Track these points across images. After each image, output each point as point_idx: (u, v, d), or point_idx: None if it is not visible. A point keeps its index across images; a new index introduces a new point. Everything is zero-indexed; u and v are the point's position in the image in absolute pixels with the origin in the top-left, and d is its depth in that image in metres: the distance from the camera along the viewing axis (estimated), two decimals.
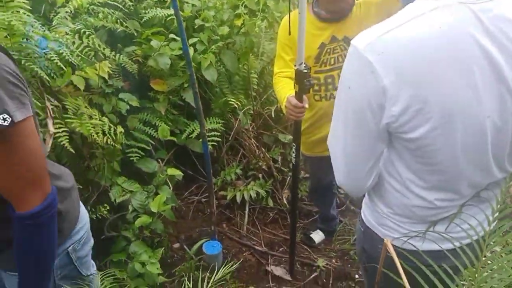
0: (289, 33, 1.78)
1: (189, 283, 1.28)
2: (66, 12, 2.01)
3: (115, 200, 2.22)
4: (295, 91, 1.76)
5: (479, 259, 0.87)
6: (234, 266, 1.55)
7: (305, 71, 1.66)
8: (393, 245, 1.06)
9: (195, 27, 2.61)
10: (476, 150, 0.90)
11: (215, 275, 1.37)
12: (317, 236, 2.74)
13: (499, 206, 0.94)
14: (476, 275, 0.84)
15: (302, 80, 1.69)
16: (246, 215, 2.90)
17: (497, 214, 0.94)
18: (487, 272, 0.85)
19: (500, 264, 0.84)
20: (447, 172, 0.95)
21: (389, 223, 1.11)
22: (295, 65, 1.69)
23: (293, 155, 1.98)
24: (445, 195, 0.99)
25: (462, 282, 0.88)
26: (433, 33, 0.80)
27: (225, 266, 1.50)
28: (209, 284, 1.34)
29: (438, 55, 0.80)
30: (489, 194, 1.01)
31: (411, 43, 0.81)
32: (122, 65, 2.41)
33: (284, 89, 1.93)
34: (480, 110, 0.83)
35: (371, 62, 0.83)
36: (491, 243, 0.89)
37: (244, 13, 2.56)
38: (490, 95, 0.82)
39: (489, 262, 0.87)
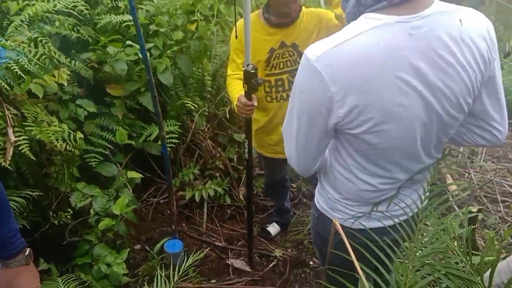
0: (236, 37, 1.97)
1: (156, 281, 1.35)
2: (22, 20, 2.02)
3: (76, 205, 2.25)
4: (245, 91, 1.90)
5: (415, 232, 1.05)
6: (196, 259, 1.64)
7: (252, 71, 1.81)
8: (344, 226, 1.24)
9: (150, 32, 2.67)
10: (407, 143, 1.09)
11: (178, 271, 1.46)
12: (273, 228, 2.90)
13: (429, 186, 1.13)
14: (413, 245, 1.01)
15: (250, 80, 1.83)
16: (205, 213, 3.01)
17: (428, 193, 1.14)
18: (421, 242, 1.03)
19: (432, 234, 1.02)
20: (384, 161, 1.15)
21: (339, 206, 1.29)
22: (243, 67, 1.83)
23: (246, 150, 2.11)
24: (385, 179, 1.19)
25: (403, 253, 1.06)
26: (373, 48, 0.96)
27: (186, 262, 1.59)
28: (174, 279, 1.43)
29: (376, 67, 0.96)
30: (421, 177, 1.22)
31: (354, 57, 0.97)
32: (77, 71, 2.44)
33: (236, 90, 2.07)
34: (410, 111, 1.01)
35: (320, 72, 0.99)
36: (424, 218, 1.08)
37: (199, 18, 2.66)
38: (418, 99, 1.01)
39: (423, 234, 1.06)
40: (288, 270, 2.56)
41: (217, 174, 3.12)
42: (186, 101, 2.79)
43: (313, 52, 1.00)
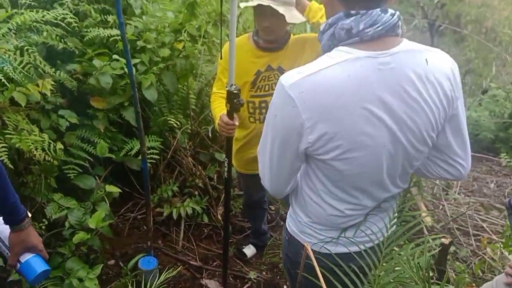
0: (221, 58, 2.02)
1: None
2: (9, 28, 2.03)
3: (51, 216, 2.21)
4: (227, 110, 1.93)
5: (380, 259, 1.08)
6: (169, 277, 1.63)
7: (235, 91, 1.85)
8: (313, 250, 1.27)
9: (137, 48, 2.70)
10: (374, 171, 1.13)
11: None
12: (249, 250, 2.89)
13: (395, 215, 1.17)
14: (377, 272, 1.04)
15: (232, 100, 1.87)
16: (182, 231, 2.99)
17: (394, 220, 1.17)
18: (384, 271, 1.05)
19: (394, 263, 1.05)
20: (352, 187, 1.19)
21: (308, 230, 1.32)
22: (226, 87, 1.87)
23: (226, 169, 2.13)
24: (352, 205, 1.23)
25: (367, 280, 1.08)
26: (343, 80, 1.01)
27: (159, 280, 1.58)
28: None
29: (345, 98, 1.02)
30: (387, 205, 1.27)
31: (325, 86, 1.02)
32: (61, 81, 2.44)
33: (219, 108, 2.11)
34: (377, 141, 1.07)
35: (293, 99, 1.04)
36: (388, 246, 1.11)
37: (186, 39, 2.70)
38: (385, 129, 1.06)
39: (387, 262, 1.08)
40: None
41: (196, 193, 3.11)
42: (169, 118, 2.81)
43: (287, 79, 1.05)
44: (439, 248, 2.27)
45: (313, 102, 1.02)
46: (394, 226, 1.24)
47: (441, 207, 3.58)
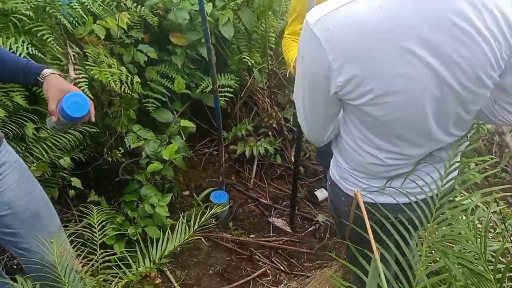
0: None
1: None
2: None
3: (129, 145, 2.37)
4: None
5: (432, 212, 0.97)
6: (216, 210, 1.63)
7: None
8: (352, 198, 1.19)
9: None
10: (415, 118, 0.99)
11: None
12: (321, 194, 2.86)
13: (449, 165, 1.03)
14: (429, 225, 0.94)
15: None
16: (254, 170, 3.04)
17: (449, 169, 1.04)
18: (436, 224, 0.95)
19: (446, 218, 0.94)
20: (390, 135, 1.06)
21: (349, 177, 1.23)
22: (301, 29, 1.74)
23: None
24: (392, 154, 1.10)
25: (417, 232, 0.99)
26: (374, 14, 0.86)
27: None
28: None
29: (377, 35, 0.87)
30: (444, 155, 1.11)
31: (353, 22, 0.88)
32: (143, 17, 2.50)
33: (293, 50, 1.99)
34: (417, 84, 0.91)
35: (318, 38, 0.91)
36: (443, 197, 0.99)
37: None
38: (426, 70, 0.89)
39: (440, 215, 0.97)
40: (328, 236, 2.54)
41: (270, 133, 3.11)
42: (244, 56, 2.77)
43: (313, 16, 0.93)
44: None
45: (340, 40, 0.89)
46: (452, 176, 1.09)
47: None
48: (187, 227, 1.39)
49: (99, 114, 2.35)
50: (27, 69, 1.29)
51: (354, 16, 0.88)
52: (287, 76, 3.12)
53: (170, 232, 1.39)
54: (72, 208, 2.34)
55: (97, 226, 1.41)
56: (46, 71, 1.28)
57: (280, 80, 3.23)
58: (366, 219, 0.97)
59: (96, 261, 1.33)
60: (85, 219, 1.51)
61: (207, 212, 1.42)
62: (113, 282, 1.28)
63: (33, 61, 1.34)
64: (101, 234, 1.40)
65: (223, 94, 2.69)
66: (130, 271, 1.28)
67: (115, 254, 1.34)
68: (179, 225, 1.39)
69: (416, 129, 1.02)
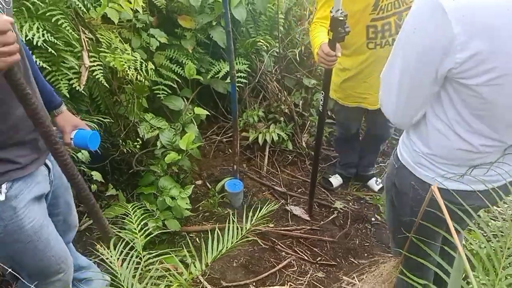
0: None
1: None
2: None
3: (143, 135, 2.26)
4: (329, 39, 1.73)
5: None
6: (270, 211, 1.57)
7: (341, 18, 1.61)
8: (425, 182, 1.13)
9: None
10: None
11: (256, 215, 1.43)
12: (336, 180, 2.81)
13: None
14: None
15: (337, 28, 1.64)
16: (266, 157, 2.96)
17: None
18: None
19: None
20: (495, 120, 0.99)
21: (426, 162, 1.16)
22: (331, 12, 1.65)
23: (321, 102, 1.97)
24: (489, 141, 1.04)
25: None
26: None
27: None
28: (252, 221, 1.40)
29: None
30: None
31: None
32: None
33: (319, 37, 1.89)
34: None
35: (444, 8, 0.84)
36: None
37: None
38: None
39: None
40: (349, 223, 2.49)
41: (281, 119, 3.02)
42: (258, 39, 2.66)
43: None
44: None
45: (469, 13, 0.83)
46: None
47: None
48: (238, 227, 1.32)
49: (110, 102, 2.23)
50: (53, 97, 1.37)
51: None
52: (297, 58, 3.03)
53: (217, 231, 1.30)
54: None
55: (137, 226, 1.32)
56: (63, 107, 1.40)
57: (289, 63, 3.13)
58: (444, 207, 0.91)
59: (139, 262, 1.24)
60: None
61: (257, 212, 1.36)
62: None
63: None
64: (142, 234, 1.31)
65: (237, 80, 2.58)
66: (181, 275, 1.20)
67: (159, 255, 1.24)
68: (230, 225, 1.31)
69: None
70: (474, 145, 1.04)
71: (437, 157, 1.13)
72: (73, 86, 1.83)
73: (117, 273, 1.11)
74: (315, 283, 2.10)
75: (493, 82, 0.88)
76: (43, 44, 1.59)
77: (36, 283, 1.25)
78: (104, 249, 1.22)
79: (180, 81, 2.55)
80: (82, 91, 1.89)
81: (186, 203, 2.15)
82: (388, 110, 1.13)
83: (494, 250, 0.93)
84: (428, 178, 1.16)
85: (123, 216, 2.13)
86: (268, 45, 2.71)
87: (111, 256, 1.14)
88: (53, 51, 1.67)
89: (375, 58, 1.99)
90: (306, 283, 2.09)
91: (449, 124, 1.05)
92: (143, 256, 1.26)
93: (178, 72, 2.50)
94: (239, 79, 2.61)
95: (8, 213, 1.15)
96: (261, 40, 2.66)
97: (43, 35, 1.59)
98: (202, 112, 2.46)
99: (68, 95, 1.79)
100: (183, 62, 2.52)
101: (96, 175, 1.99)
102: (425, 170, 1.17)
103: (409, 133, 1.22)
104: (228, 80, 2.48)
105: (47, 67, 1.70)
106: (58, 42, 1.69)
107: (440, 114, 1.06)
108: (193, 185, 2.34)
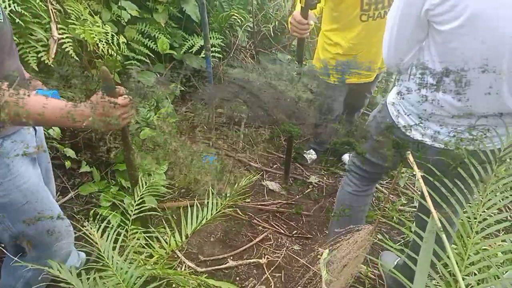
0: None
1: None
2: None
3: None
4: (301, 6, 1.71)
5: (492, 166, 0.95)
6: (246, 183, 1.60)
7: None
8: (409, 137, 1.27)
9: None
10: (490, 61, 0.99)
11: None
12: (310, 155, 2.84)
13: None
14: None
15: None
16: (241, 133, 2.95)
17: None
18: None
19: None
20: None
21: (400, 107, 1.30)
22: None
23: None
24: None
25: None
26: None
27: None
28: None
29: None
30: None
31: None
32: None
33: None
34: (504, 26, 0.92)
35: None
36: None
37: None
38: None
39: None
40: (324, 197, 2.53)
41: None
42: (232, 13, 2.61)
43: None
44: None
45: None
46: None
47: None
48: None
49: (80, 78, 2.15)
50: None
51: None
52: (271, 34, 3.01)
53: (196, 204, 1.30)
54: (65, 181, 2.17)
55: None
56: None
57: (263, 38, 3.10)
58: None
59: (126, 236, 1.24)
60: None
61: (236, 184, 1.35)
62: (142, 259, 1.19)
63: None
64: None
65: (212, 54, 2.55)
66: (161, 247, 1.19)
67: (148, 232, 1.25)
68: (208, 198, 1.31)
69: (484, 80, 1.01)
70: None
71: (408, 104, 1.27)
72: (42, 59, 1.76)
73: (97, 244, 1.10)
74: (292, 255, 2.14)
75: (458, 31, 0.99)
76: (9, 15, 1.51)
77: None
78: (84, 223, 1.20)
79: (153, 56, 2.50)
80: (51, 65, 1.82)
81: (163, 179, 2.13)
82: (385, 50, 1.26)
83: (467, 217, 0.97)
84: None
85: (98, 193, 2.12)
86: (242, 19, 2.67)
87: (91, 228, 1.12)
88: (20, 22, 1.59)
89: (366, 33, 1.96)
90: (282, 255, 2.13)
91: None
92: (125, 231, 1.25)
93: (151, 46, 2.44)
94: (214, 54, 2.58)
95: (2, 170, 1.15)
96: (236, 14, 2.61)
97: (9, 5, 1.51)
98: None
99: (37, 69, 1.72)
100: (156, 36, 2.46)
101: (69, 152, 1.94)
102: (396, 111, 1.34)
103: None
104: (202, 55, 2.44)
105: (15, 39, 1.62)
106: (25, 13, 1.61)
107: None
108: (170, 161, 2.31)
